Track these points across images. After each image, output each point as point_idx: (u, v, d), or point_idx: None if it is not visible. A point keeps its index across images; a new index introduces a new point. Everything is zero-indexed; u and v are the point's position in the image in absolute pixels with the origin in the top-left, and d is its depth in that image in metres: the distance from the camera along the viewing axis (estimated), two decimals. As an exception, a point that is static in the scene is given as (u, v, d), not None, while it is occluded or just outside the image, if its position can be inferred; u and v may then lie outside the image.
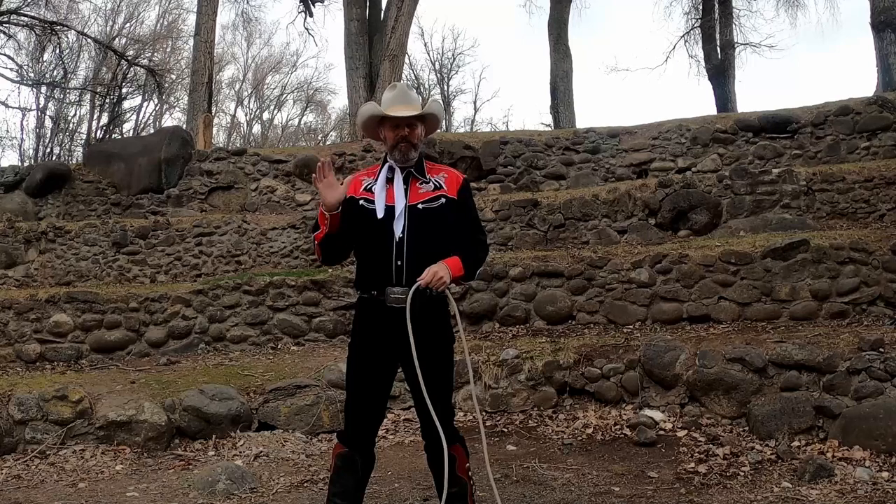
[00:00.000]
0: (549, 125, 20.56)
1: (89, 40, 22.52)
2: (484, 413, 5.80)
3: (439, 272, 2.97)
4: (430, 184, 3.17)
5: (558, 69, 17.66)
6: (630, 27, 54.57)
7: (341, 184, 3.22)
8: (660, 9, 55.63)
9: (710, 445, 4.91)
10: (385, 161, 3.22)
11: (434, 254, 3.05)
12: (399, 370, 3.17)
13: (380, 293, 3.06)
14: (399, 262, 3.03)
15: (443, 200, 3.13)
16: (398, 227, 3.06)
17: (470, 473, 3.19)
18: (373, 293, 3.09)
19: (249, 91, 36.78)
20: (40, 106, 25.79)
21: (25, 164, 19.00)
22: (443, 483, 3.07)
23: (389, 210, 3.09)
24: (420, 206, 3.11)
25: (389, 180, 3.15)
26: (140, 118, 28.08)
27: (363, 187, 3.19)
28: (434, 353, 3.06)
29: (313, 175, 3.14)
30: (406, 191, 3.13)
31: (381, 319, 3.06)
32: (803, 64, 48.91)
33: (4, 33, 19.95)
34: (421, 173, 3.18)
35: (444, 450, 2.99)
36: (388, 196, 3.12)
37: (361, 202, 3.15)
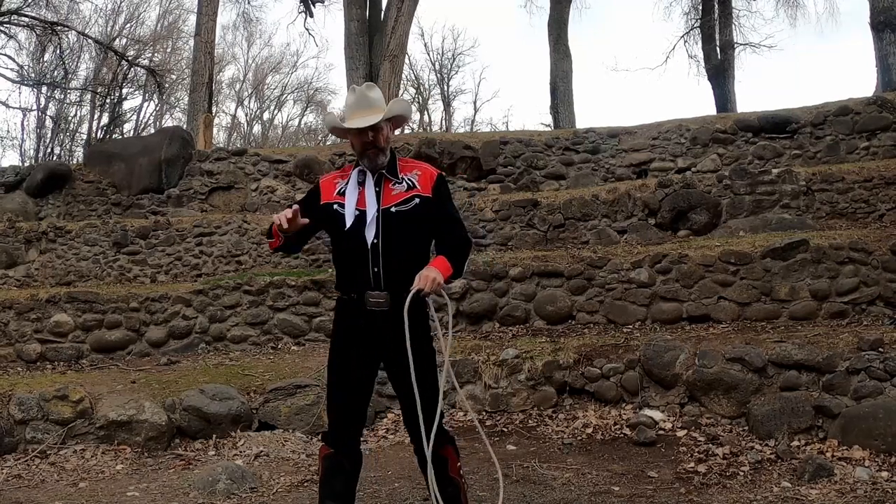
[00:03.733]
0: (549, 125, 20.56)
1: (90, 41, 22.54)
2: (484, 413, 5.80)
3: (431, 276, 2.90)
4: (403, 183, 3.10)
5: (558, 69, 17.66)
6: (630, 27, 54.60)
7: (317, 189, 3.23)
8: (660, 9, 55.75)
9: (710, 445, 4.91)
10: (357, 163, 3.15)
11: (410, 257, 3.01)
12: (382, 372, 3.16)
13: (359, 296, 3.03)
14: (376, 269, 2.99)
15: (416, 201, 3.07)
16: (370, 234, 3.00)
17: (462, 472, 3.18)
18: (352, 296, 3.07)
19: (250, 91, 36.80)
20: (41, 106, 25.79)
21: (26, 164, 19.00)
22: (433, 486, 3.08)
23: (361, 215, 3.03)
24: (393, 209, 3.04)
25: (361, 183, 3.08)
26: (140, 118, 28.11)
27: (336, 191, 3.14)
28: (415, 355, 2.96)
29: (280, 220, 2.96)
30: (378, 193, 3.06)
31: (362, 321, 3.03)
32: (803, 64, 48.94)
33: (5, 33, 19.97)
34: (393, 173, 3.11)
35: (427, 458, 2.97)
36: (360, 200, 3.05)
37: (335, 206, 3.10)
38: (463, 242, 3.15)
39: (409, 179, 3.11)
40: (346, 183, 3.12)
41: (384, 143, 3.09)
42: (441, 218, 3.12)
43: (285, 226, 2.92)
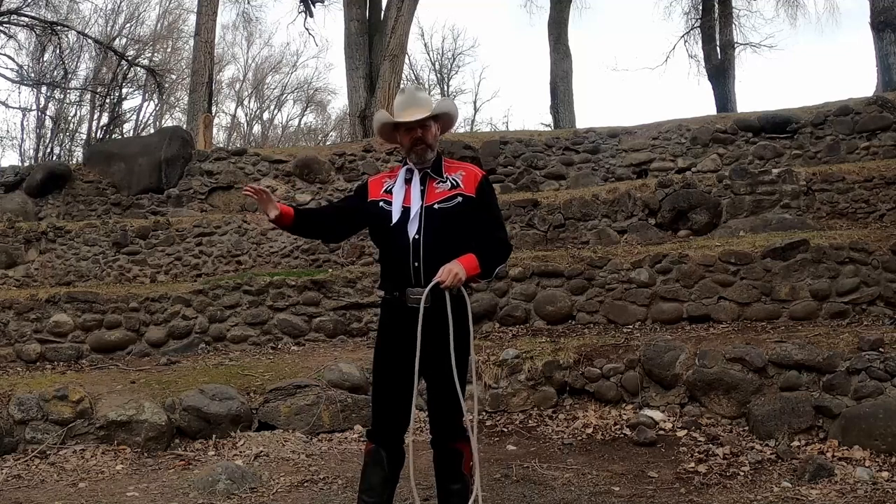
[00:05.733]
0: (549, 125, 20.56)
1: (90, 40, 22.53)
2: (484, 413, 5.80)
3: (454, 269, 2.98)
4: (447, 182, 3.18)
5: (558, 69, 17.66)
6: (630, 27, 54.60)
7: (367, 184, 3.34)
8: (660, 9, 55.84)
9: (710, 445, 4.91)
10: (405, 162, 3.26)
11: (450, 254, 3.06)
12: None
13: (401, 294, 3.10)
14: (416, 264, 3.07)
15: (459, 199, 3.14)
16: (412, 229, 3.09)
17: (473, 471, 3.21)
18: (395, 294, 3.14)
19: (249, 91, 36.81)
20: (40, 106, 25.76)
21: (26, 164, 19.01)
22: (447, 482, 3.10)
23: (405, 211, 3.12)
24: (436, 206, 3.12)
25: (407, 181, 3.18)
26: (140, 118, 28.08)
27: (383, 189, 3.24)
28: (452, 350, 3.05)
29: (247, 192, 3.24)
30: (423, 191, 3.15)
31: (404, 319, 3.08)
32: (803, 63, 48.95)
33: (5, 33, 19.97)
34: (438, 172, 3.20)
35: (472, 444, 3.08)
36: (406, 197, 3.15)
37: (381, 203, 3.20)
38: (498, 245, 3.20)
39: (453, 179, 3.19)
40: (394, 182, 3.22)
41: (432, 139, 3.18)
42: (481, 218, 3.18)
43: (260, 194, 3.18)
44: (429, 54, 41.05)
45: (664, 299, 6.69)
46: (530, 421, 5.65)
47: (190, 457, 5.15)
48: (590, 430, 5.38)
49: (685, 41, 20.64)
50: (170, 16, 29.45)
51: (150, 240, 8.96)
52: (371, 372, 3.34)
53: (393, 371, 3.12)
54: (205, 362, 6.68)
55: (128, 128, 27.22)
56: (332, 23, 69.38)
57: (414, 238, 3.08)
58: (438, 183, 3.17)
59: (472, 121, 36.41)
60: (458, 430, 3.13)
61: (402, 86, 3.32)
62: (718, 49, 18.47)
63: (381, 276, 3.28)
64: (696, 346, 5.64)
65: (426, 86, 33.45)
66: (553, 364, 5.86)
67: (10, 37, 20.45)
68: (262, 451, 5.13)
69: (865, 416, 4.70)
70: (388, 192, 3.21)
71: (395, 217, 3.12)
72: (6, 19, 18.98)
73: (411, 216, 3.10)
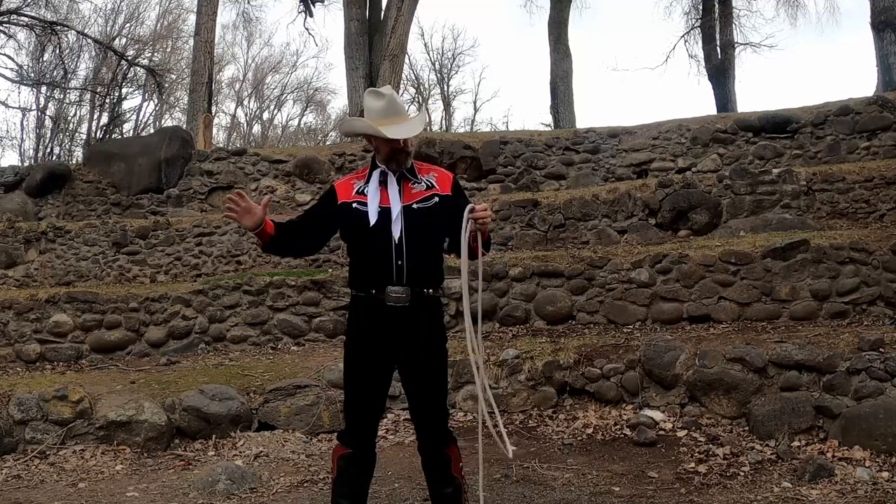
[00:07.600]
0: (549, 125, 20.56)
1: (89, 40, 22.52)
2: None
3: (488, 210, 3.03)
4: (423, 184, 3.19)
5: (558, 69, 17.66)
6: (630, 27, 54.60)
7: (346, 183, 3.26)
8: (660, 9, 55.89)
9: (710, 445, 4.91)
10: (375, 165, 3.21)
11: (429, 253, 3.11)
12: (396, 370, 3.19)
13: (379, 292, 3.07)
14: (399, 262, 3.05)
15: (436, 199, 3.15)
16: (396, 229, 3.07)
17: (463, 473, 3.21)
18: (372, 292, 3.10)
19: (249, 91, 36.81)
20: (40, 106, 25.75)
21: (25, 164, 19.01)
22: (439, 486, 3.11)
23: (385, 212, 3.10)
24: (415, 205, 3.12)
25: (383, 183, 3.16)
26: (140, 118, 28.07)
27: (355, 190, 3.19)
28: (430, 352, 3.10)
29: (227, 205, 3.10)
30: (399, 192, 3.14)
31: (380, 318, 3.06)
32: (803, 63, 48.96)
33: (4, 33, 19.97)
34: (412, 174, 3.20)
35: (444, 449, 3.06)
36: (383, 198, 3.13)
37: (355, 205, 3.15)
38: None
39: (427, 180, 3.21)
40: (366, 183, 3.19)
41: (410, 147, 3.20)
42: (462, 206, 3.15)
43: (240, 204, 3.05)
44: (429, 54, 41.02)
45: (664, 299, 6.69)
46: (530, 421, 5.65)
47: (190, 457, 5.15)
48: (590, 431, 5.37)
49: (685, 41, 20.66)
50: (170, 16, 29.48)
51: (149, 240, 8.96)
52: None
53: (370, 371, 3.09)
54: (205, 362, 6.68)
55: (128, 128, 27.23)
56: (332, 23, 69.39)
57: (398, 238, 3.06)
58: (414, 184, 3.17)
59: (472, 121, 36.38)
60: (444, 435, 3.13)
61: (375, 88, 3.16)
62: (718, 49, 18.47)
63: (354, 275, 3.20)
64: (696, 346, 5.64)
65: (426, 86, 33.43)
66: (553, 364, 5.86)
67: (10, 37, 20.46)
68: (261, 452, 5.13)
69: (866, 416, 4.69)
70: (361, 193, 3.16)
71: (373, 218, 3.09)
72: (6, 19, 18.97)
73: (393, 217, 3.09)
